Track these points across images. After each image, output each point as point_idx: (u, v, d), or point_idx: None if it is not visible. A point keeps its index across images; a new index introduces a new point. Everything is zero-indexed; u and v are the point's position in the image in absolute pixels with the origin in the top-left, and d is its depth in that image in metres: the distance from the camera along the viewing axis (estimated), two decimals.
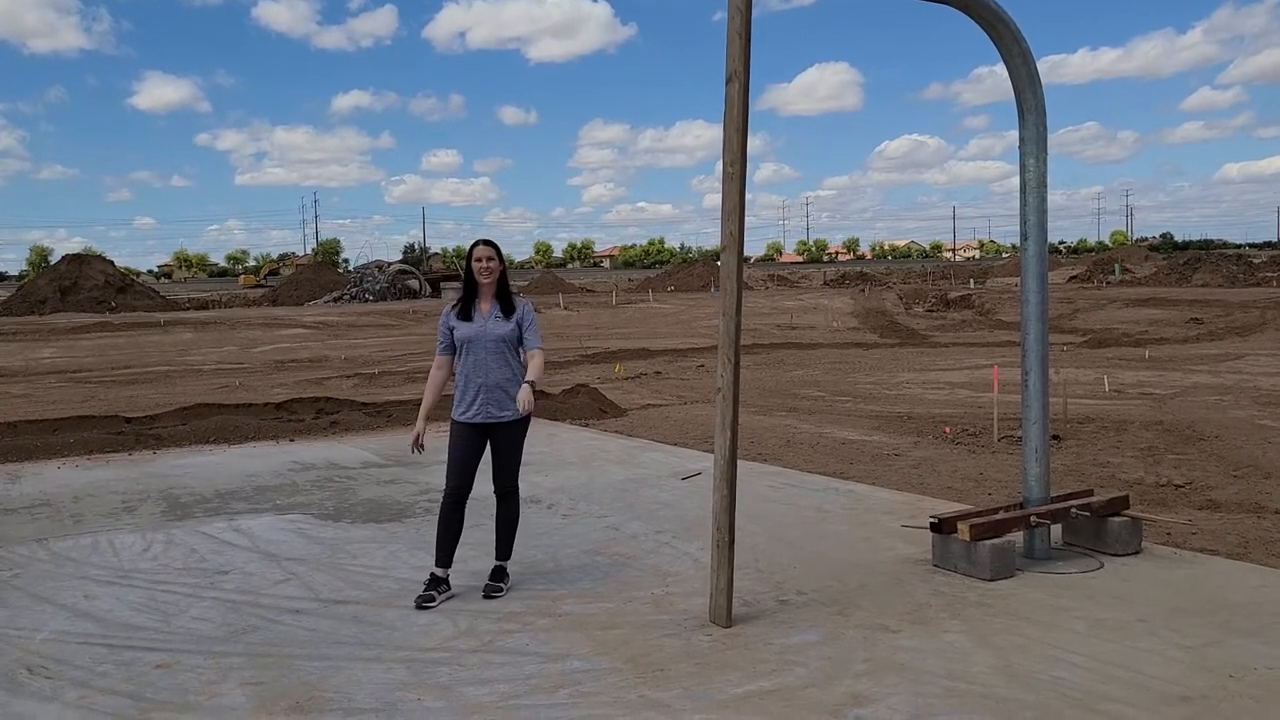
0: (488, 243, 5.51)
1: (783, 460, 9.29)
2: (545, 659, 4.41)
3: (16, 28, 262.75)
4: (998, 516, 5.61)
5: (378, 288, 57.27)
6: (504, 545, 5.62)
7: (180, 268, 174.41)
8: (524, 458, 5.69)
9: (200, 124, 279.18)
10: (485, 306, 5.45)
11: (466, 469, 5.44)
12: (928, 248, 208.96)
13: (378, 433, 11.25)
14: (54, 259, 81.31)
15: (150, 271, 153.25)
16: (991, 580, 5.31)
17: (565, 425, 11.69)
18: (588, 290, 63.83)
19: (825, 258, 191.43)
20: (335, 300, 55.55)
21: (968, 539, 5.39)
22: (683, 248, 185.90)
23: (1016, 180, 5.86)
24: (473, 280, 5.45)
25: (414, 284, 59.07)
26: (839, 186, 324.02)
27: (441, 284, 59.29)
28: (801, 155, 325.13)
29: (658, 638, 4.64)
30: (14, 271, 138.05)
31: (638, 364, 19.92)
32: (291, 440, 10.88)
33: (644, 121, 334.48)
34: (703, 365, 19.41)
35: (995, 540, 5.41)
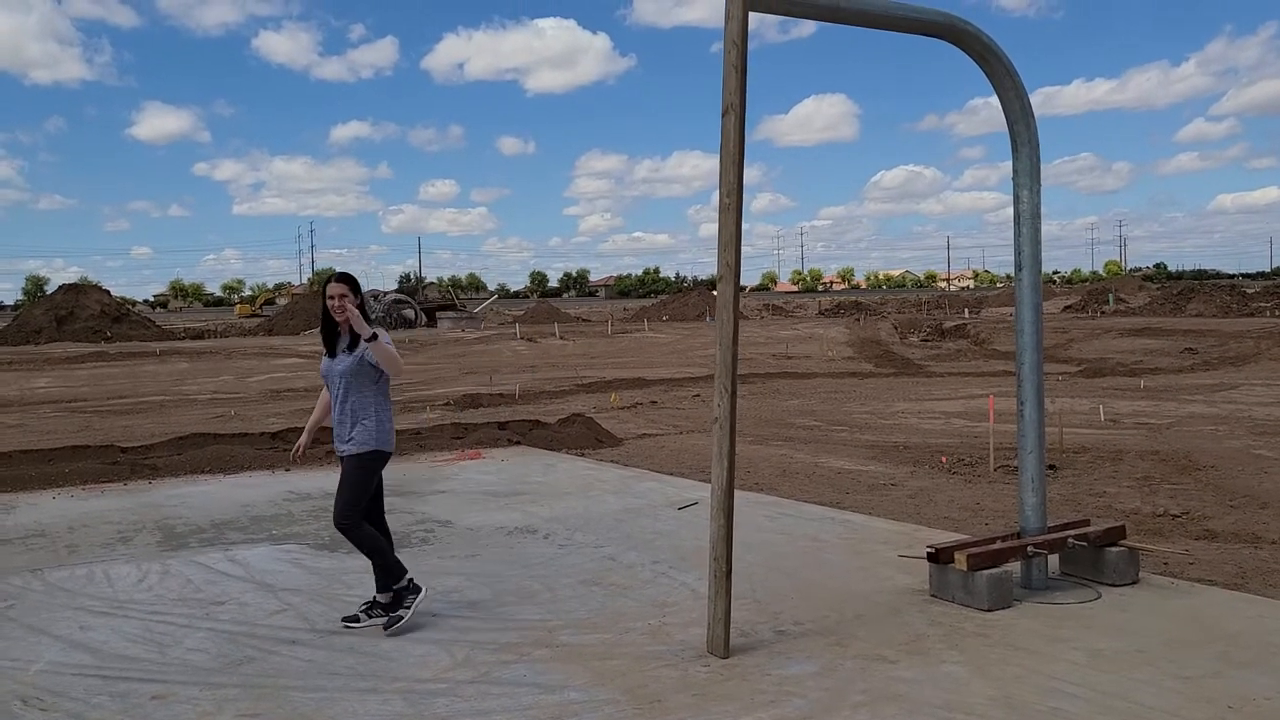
0: (340, 279, 5.43)
1: (779, 490, 9.29)
2: (543, 690, 4.39)
3: (18, 59, 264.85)
4: (995, 546, 5.62)
5: (374, 317, 57.25)
6: (376, 577, 5.45)
7: (176, 297, 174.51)
8: (520, 487, 5.69)
9: (199, 154, 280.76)
10: (341, 342, 5.46)
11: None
12: (922, 277, 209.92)
13: None
14: (50, 288, 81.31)
15: (146, 301, 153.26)
16: (989, 610, 5.30)
17: (561, 455, 11.69)
18: (583, 319, 63.89)
19: (820, 287, 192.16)
20: None
21: (965, 569, 5.39)
22: (678, 277, 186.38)
23: (1011, 211, 5.92)
24: (329, 316, 5.44)
25: (410, 313, 59.11)
26: (834, 216, 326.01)
27: (437, 313, 59.36)
28: (797, 185, 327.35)
29: (655, 668, 4.62)
30: (10, 301, 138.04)
31: (633, 393, 19.92)
32: (287, 470, 10.86)
33: (641, 152, 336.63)
34: (698, 395, 19.43)
35: (993, 570, 5.41)
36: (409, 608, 5.34)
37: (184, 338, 50.83)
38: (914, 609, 5.42)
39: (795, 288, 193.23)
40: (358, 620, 5.40)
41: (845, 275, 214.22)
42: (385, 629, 5.30)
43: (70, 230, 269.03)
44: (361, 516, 5.36)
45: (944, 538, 6.51)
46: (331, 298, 5.35)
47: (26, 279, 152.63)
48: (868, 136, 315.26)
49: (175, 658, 4.97)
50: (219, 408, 19.36)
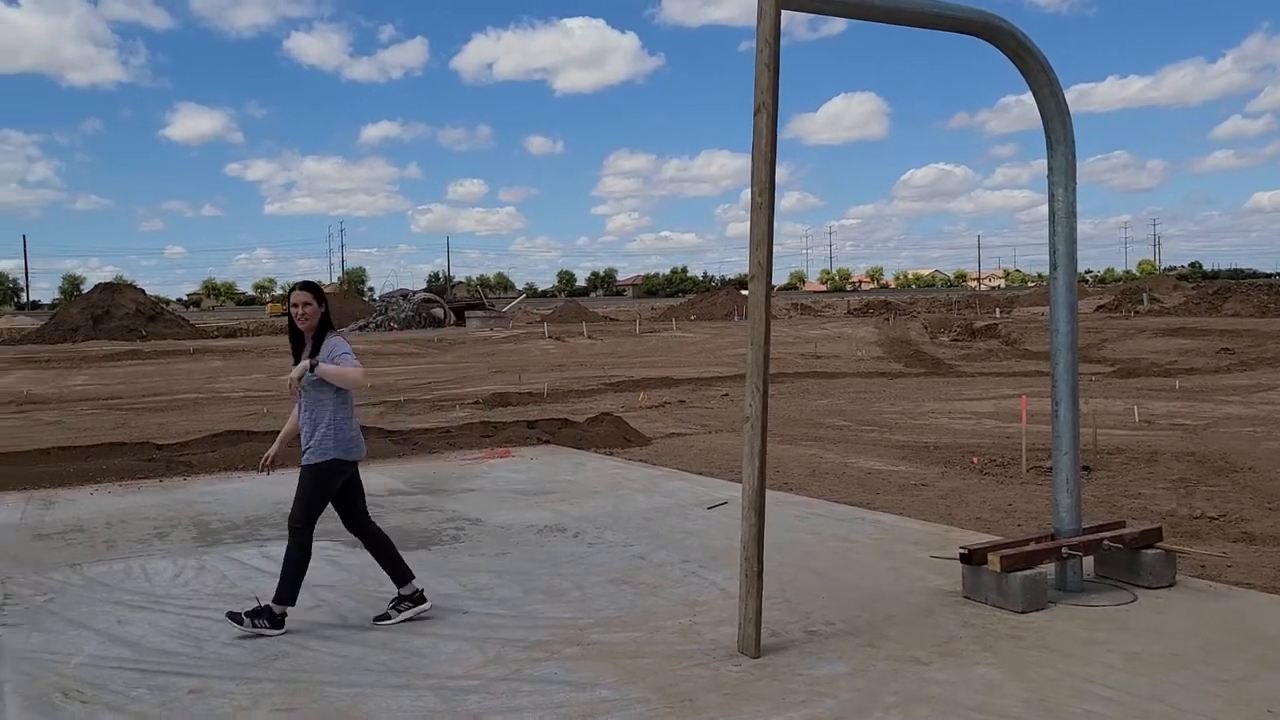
0: (304, 287, 5.50)
1: (808, 490, 9.27)
2: (574, 688, 4.41)
3: (55, 61, 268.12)
4: (1029, 548, 5.58)
5: (403, 316, 57.66)
6: (282, 578, 5.40)
7: (208, 296, 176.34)
8: (549, 485, 5.71)
9: (231, 154, 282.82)
10: (306, 351, 5.48)
11: (340, 510, 5.63)
12: (952, 277, 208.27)
13: (403, 460, 11.31)
14: (87, 288, 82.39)
15: (180, 300, 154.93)
16: (1023, 612, 5.26)
17: (590, 454, 11.71)
18: (611, 319, 63.98)
19: (849, 286, 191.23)
20: (361, 329, 55.92)
21: (998, 570, 5.35)
22: (706, 277, 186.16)
23: (1043, 209, 5.88)
24: (295, 325, 5.51)
25: (439, 312, 59.41)
26: (863, 215, 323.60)
27: (466, 313, 59.63)
28: (826, 184, 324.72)
29: (686, 667, 4.63)
30: (47, 300, 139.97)
31: (662, 392, 19.93)
32: None
33: (669, 151, 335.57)
34: (727, 394, 19.40)
35: (1027, 571, 5.37)
36: (255, 628, 5.25)
37: (217, 336, 51.36)
38: (946, 610, 5.39)
39: (824, 287, 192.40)
40: (388, 618, 5.45)
41: (874, 274, 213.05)
42: (374, 619, 5.44)
43: (106, 230, 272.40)
44: (314, 523, 5.43)
45: (976, 539, 6.46)
46: (295, 305, 5.43)
47: (63, 278, 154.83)
48: (897, 134, 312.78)
49: (211, 652, 5.03)
50: (252, 405, 19.55)
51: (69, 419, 17.83)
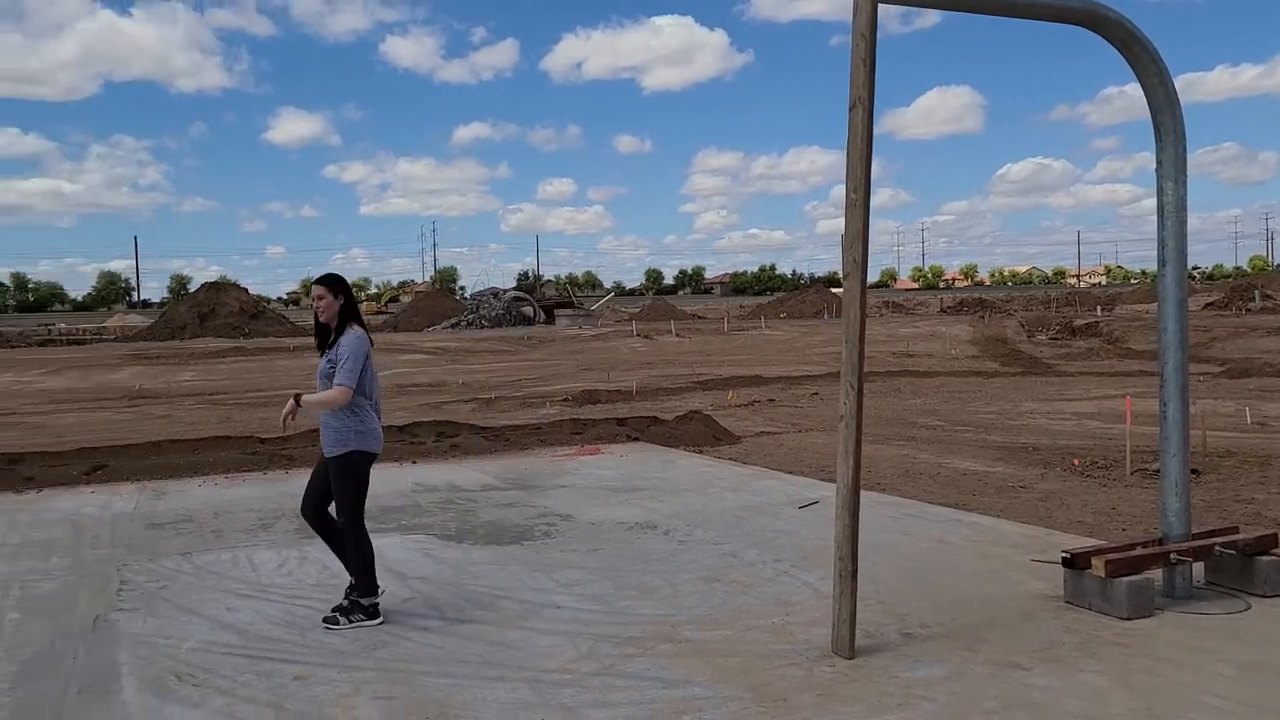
0: (321, 281, 5.56)
1: (901, 490, 9.12)
2: (666, 684, 4.42)
3: (165, 69, 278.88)
4: (1135, 552, 5.40)
5: (493, 314, 58.51)
6: (351, 574, 5.53)
7: (306, 295, 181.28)
8: (639, 483, 5.72)
9: (329, 156, 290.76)
10: (330, 341, 5.54)
11: (308, 492, 5.66)
12: (1050, 274, 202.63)
13: (495, 456, 11.47)
14: (193, 287, 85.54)
15: (279, 298, 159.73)
16: (1129, 619, 5.10)
17: (679, 451, 11.72)
18: (699, 317, 63.89)
19: (941, 284, 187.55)
20: (453, 327, 56.93)
21: (1103, 575, 5.19)
22: (795, 274, 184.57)
23: (1147, 203, 5.85)
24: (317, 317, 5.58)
25: (529, 310, 60.13)
26: (957, 211, 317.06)
27: (555, 311, 60.23)
28: (919, 180, 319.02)
29: (779, 667, 4.60)
30: (157, 299, 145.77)
31: (750, 391, 19.84)
32: (414, 462, 11.17)
33: (757, 148, 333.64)
34: (816, 393, 19.22)
35: (1133, 577, 5.20)
36: (353, 624, 5.34)
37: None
38: (1047, 615, 5.25)
39: (916, 285, 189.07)
40: (337, 622, 5.40)
41: (968, 272, 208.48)
42: (323, 619, 5.40)
43: (211, 231, 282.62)
44: (362, 518, 5.53)
45: (1078, 542, 6.28)
46: (315, 299, 5.55)
47: (171, 278, 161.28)
48: (993, 128, 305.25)
49: (314, 640, 5.18)
50: None
51: (177, 413, 18.54)
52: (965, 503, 8.52)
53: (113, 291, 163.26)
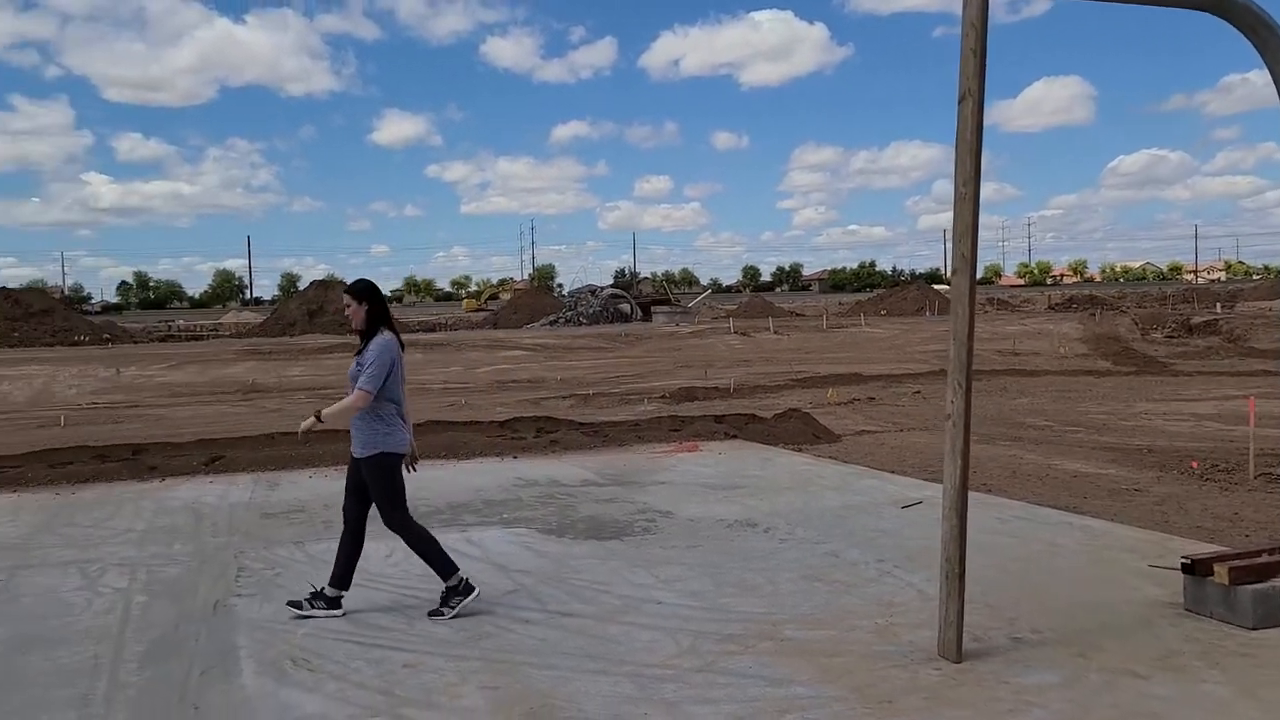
0: (348, 289, 5.69)
1: (1009, 492, 8.89)
2: (769, 683, 4.40)
3: (277, 74, 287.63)
4: (1262, 559, 5.16)
5: (591, 311, 58.96)
6: (434, 568, 5.61)
7: (409, 292, 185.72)
8: (738, 480, 5.70)
9: (431, 156, 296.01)
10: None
11: (346, 497, 5.79)
12: (1165, 270, 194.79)
13: (595, 452, 11.57)
14: (302, 285, 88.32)
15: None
16: (1254, 629, 4.88)
17: (778, 449, 11.64)
18: (797, 314, 63.30)
19: (1049, 280, 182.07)
20: (551, 324, 57.57)
21: (1226, 582, 4.98)
22: (895, 271, 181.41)
23: (1271, 195, 5.54)
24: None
25: (626, 308, 60.43)
26: (1066, 205, 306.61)
27: (652, 308, 60.40)
28: (1025, 173, 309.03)
29: (884, 668, 4.53)
30: (268, 296, 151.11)
31: (850, 389, 19.58)
32: (515, 457, 11.34)
33: (857, 143, 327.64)
34: (918, 391, 18.86)
35: (1258, 585, 4.97)
36: (454, 609, 5.50)
37: (418, 330, 54.01)
38: (1165, 622, 5.06)
39: (1021, 281, 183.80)
40: (301, 608, 5.55)
41: (1077, 268, 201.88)
42: (429, 614, 5.53)
43: (318, 230, 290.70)
44: (405, 513, 5.63)
45: (1198, 548, 6.03)
46: (345, 306, 5.66)
47: (282, 276, 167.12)
48: (1105, 119, 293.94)
49: (422, 630, 5.31)
50: (450, 397, 20.47)
51: (289, 406, 19.17)
52: (1076, 505, 8.26)
53: (227, 289, 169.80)
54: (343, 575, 5.68)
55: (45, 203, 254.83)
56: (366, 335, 5.62)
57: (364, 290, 5.68)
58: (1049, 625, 5.08)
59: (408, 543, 5.65)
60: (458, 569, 5.61)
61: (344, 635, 5.23)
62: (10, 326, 47.11)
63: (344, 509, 5.81)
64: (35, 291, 57.83)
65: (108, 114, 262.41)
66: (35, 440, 13.78)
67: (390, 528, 5.63)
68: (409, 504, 5.76)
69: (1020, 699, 4.14)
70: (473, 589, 5.56)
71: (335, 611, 5.58)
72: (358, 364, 5.60)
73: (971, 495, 7.85)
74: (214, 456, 11.18)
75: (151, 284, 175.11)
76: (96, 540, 7.62)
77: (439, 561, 5.60)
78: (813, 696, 4.22)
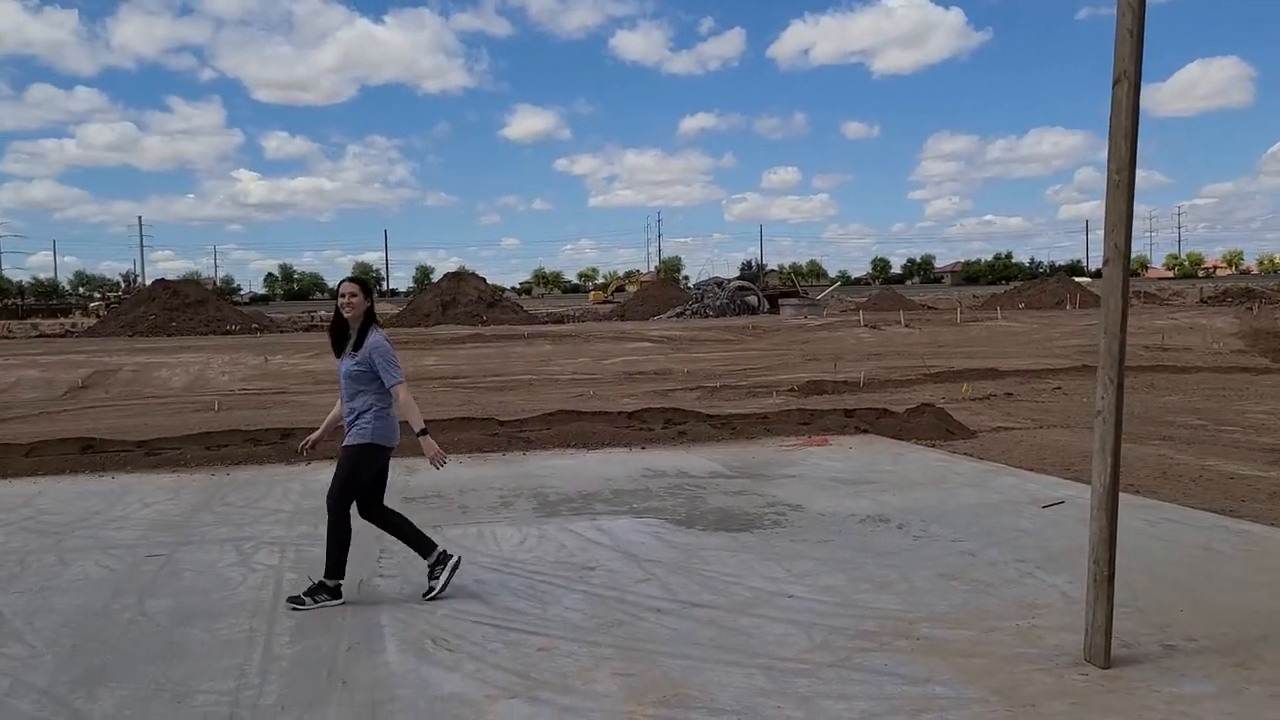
0: (353, 280, 5.77)
1: (1159, 493, 8.49)
2: (905, 681, 4.32)
3: (413, 72, 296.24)
4: None
5: (718, 304, 58.86)
6: (327, 559, 5.74)
7: (538, 284, 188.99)
8: (869, 475, 5.61)
9: (560, 150, 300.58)
10: (350, 343, 5.69)
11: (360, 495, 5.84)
12: None
13: (723, 444, 11.55)
14: (435, 277, 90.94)
15: (513, 288, 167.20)
16: None
17: (910, 445, 11.39)
18: (929, 307, 61.82)
19: (1200, 272, 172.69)
20: (677, 315, 57.72)
21: None
22: (1033, 262, 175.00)
23: None
24: (339, 315, 5.70)
25: (753, 300, 60.11)
26: (1220, 194, 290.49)
27: (780, 300, 59.90)
28: (1176, 161, 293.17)
29: (1026, 671, 4.39)
30: (403, 288, 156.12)
31: (985, 384, 19.00)
32: (643, 448, 11.42)
33: (994, 131, 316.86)
34: (1059, 387, 18.17)
35: None
36: (318, 603, 5.61)
37: (546, 322, 54.96)
38: None
39: (1170, 273, 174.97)
40: (302, 603, 5.62)
41: (1232, 259, 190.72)
42: (424, 596, 5.70)
43: (451, 224, 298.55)
44: (350, 503, 5.70)
45: None
46: (342, 296, 5.69)
47: (416, 268, 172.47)
48: (1265, 102, 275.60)
49: (555, 615, 5.40)
50: (578, 387, 20.74)
51: (424, 395, 19.75)
52: (1233, 509, 7.83)
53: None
54: (426, 545, 5.86)
55: (199, 199, 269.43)
56: (361, 330, 5.75)
57: (368, 285, 5.89)
58: (1205, 633, 4.83)
59: (330, 525, 5.72)
60: (341, 578, 5.73)
61: (481, 618, 5.37)
62: (169, 316, 50.02)
63: (361, 512, 5.91)
64: (191, 283, 61.14)
65: (256, 114, 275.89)
66: (192, 424, 14.61)
67: (329, 504, 5.72)
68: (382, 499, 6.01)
69: (1174, 709, 3.95)
70: (341, 596, 5.71)
71: (454, 560, 5.80)
72: (356, 362, 5.69)
73: (1120, 496, 7.54)
74: None
75: (295, 276, 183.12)
76: (249, 519, 8.02)
77: (337, 559, 5.73)
78: (951, 697, 4.12)
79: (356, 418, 5.75)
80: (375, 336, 5.72)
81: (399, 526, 5.94)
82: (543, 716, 4.08)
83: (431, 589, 5.75)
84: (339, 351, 5.83)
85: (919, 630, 4.99)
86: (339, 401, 5.90)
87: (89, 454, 10.94)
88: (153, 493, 9.14)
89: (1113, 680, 4.27)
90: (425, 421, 5.88)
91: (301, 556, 6.79)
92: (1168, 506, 7.84)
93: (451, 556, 5.84)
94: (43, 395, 21.48)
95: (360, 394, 5.71)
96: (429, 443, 5.74)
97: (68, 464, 10.53)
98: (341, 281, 5.82)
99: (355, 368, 5.68)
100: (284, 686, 4.49)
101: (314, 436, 6.13)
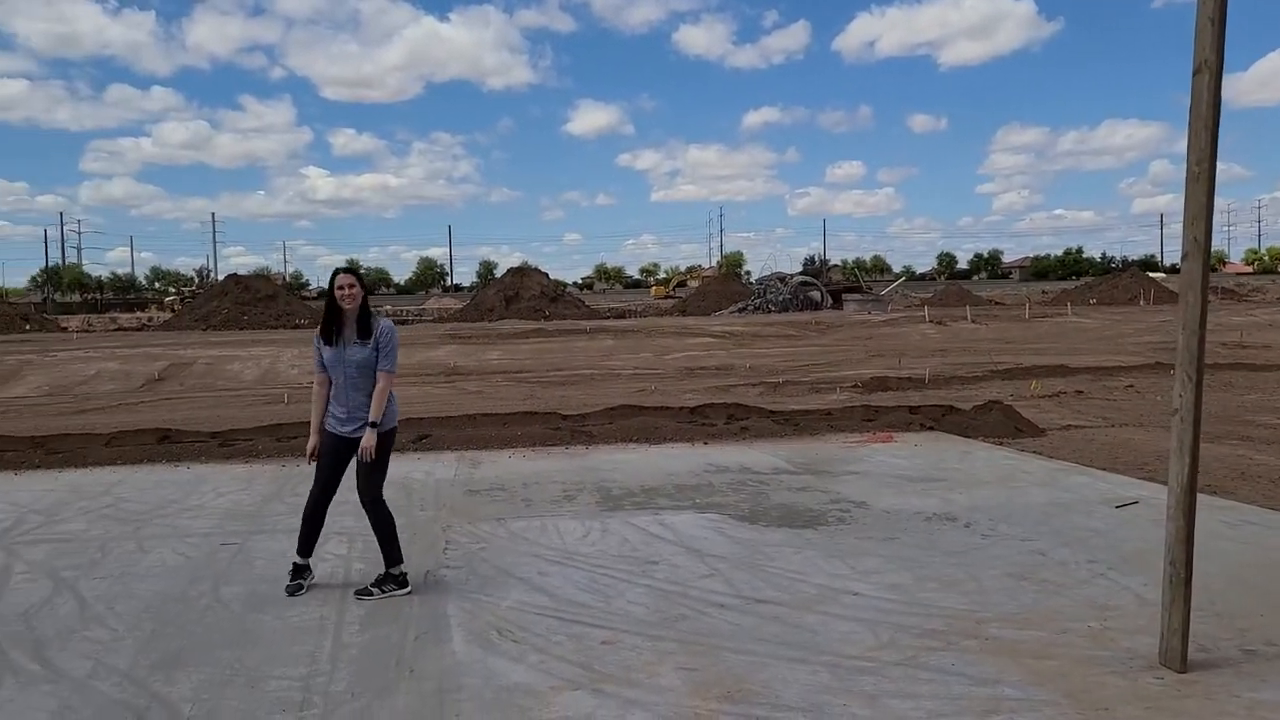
0: (348, 271, 5.74)
1: (1237, 494, 8.25)
2: (973, 682, 4.26)
3: (478, 69, 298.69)
4: None
5: (780, 299, 58.53)
6: (383, 551, 5.85)
7: (600, 279, 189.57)
8: (935, 473, 5.55)
9: (623, 145, 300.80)
10: (347, 332, 5.67)
11: (328, 476, 5.89)
12: None
13: (786, 440, 11.48)
14: (499, 272, 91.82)
15: (575, 283, 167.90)
16: None
17: (977, 442, 11.21)
18: (997, 302, 60.75)
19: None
20: (740, 311, 57.52)
21: None
22: (1105, 258, 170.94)
23: None
24: (335, 306, 5.66)
25: (815, 295, 59.66)
26: None
27: (843, 295, 59.38)
28: (1256, 153, 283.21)
29: (1099, 674, 4.31)
30: (467, 283, 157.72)
31: (1055, 381, 18.62)
32: (705, 443, 11.40)
33: (1065, 123, 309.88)
34: (1132, 385, 17.74)
35: None
36: (386, 593, 5.73)
37: (608, 317, 55.12)
38: None
39: (1249, 269, 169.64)
40: (370, 594, 5.72)
41: None
42: (356, 593, 5.75)
43: (514, 219, 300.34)
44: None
45: None
46: (340, 288, 5.66)
47: (480, 264, 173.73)
48: None
49: (619, 608, 5.42)
50: (640, 382, 20.77)
51: (488, 389, 19.96)
52: None
53: (430, 276, 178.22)
54: (397, 550, 5.89)
55: (269, 195, 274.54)
56: (362, 318, 5.74)
57: (362, 275, 5.91)
58: None
59: (377, 521, 5.81)
60: (403, 560, 5.85)
61: (544, 610, 5.41)
62: (241, 310, 51.21)
63: (360, 499, 5.87)
64: (261, 278, 62.49)
65: (324, 111, 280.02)
66: (263, 416, 14.94)
67: (369, 495, 5.76)
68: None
69: (1253, 715, 3.84)
70: (408, 585, 5.79)
71: (403, 590, 5.80)
72: (369, 349, 5.70)
73: (1198, 496, 7.34)
74: (421, 435, 11.78)
75: (362, 270, 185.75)
76: None
77: (390, 547, 5.82)
78: (1021, 698, 4.06)
79: (364, 407, 5.79)
80: (385, 321, 5.81)
81: (384, 524, 5.95)
82: (607, 709, 4.11)
83: (368, 591, 5.77)
84: (331, 342, 5.79)
85: (987, 630, 4.92)
86: (319, 400, 5.91)
87: (165, 444, 11.25)
88: (226, 483, 9.37)
89: (1189, 685, 4.16)
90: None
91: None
92: (1247, 508, 7.62)
93: (408, 586, 5.80)
94: (121, 387, 22.15)
95: (370, 383, 5.76)
96: (371, 435, 5.70)
97: (145, 454, 10.83)
98: (336, 272, 5.74)
99: (369, 354, 5.72)
100: (353, 674, 4.58)
101: (314, 443, 5.96)
